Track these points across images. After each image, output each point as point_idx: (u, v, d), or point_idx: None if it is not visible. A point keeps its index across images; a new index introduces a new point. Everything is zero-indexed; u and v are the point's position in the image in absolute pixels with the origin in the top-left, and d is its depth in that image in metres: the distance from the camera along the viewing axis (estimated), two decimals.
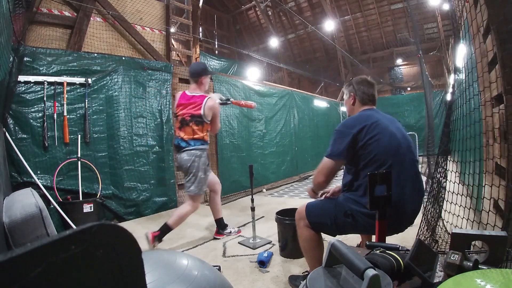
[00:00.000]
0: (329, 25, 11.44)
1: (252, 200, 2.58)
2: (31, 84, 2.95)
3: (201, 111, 2.44)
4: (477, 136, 1.67)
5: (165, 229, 2.37)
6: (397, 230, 1.48)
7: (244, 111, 5.10)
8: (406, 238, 2.35)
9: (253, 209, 2.55)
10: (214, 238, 2.69)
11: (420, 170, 1.58)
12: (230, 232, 2.75)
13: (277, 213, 2.27)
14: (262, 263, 2.01)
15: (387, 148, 1.41)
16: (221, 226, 2.74)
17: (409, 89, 11.86)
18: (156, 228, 2.80)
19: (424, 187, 1.67)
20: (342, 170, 1.66)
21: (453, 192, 1.84)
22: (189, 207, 2.45)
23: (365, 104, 1.63)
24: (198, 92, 2.53)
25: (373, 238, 1.50)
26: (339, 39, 12.16)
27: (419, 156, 6.98)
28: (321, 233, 1.59)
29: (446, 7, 7.65)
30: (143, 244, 2.31)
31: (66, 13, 3.80)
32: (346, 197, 1.49)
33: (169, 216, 3.50)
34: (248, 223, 3.08)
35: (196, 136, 2.46)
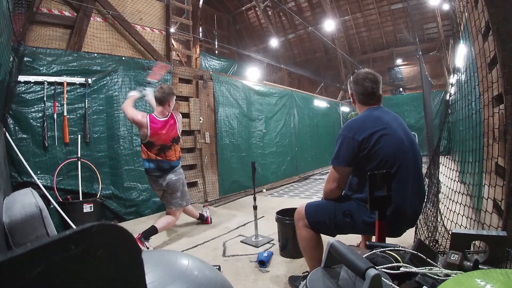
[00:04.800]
0: (329, 25, 11.44)
1: (255, 199, 2.61)
2: (31, 84, 2.95)
3: (179, 131, 2.62)
4: (478, 135, 1.67)
5: (152, 231, 2.44)
6: (397, 233, 1.47)
7: (244, 111, 5.10)
8: (406, 238, 2.35)
9: (255, 207, 2.57)
10: (203, 223, 3.13)
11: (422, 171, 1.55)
12: (206, 212, 3.20)
13: (277, 212, 2.27)
14: (262, 263, 2.01)
15: (394, 153, 1.38)
16: (203, 217, 3.11)
17: (401, 89, 11.82)
18: None
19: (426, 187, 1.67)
20: None
21: (453, 191, 1.84)
22: (175, 218, 2.64)
23: (366, 104, 1.54)
24: (166, 113, 2.55)
25: (373, 238, 1.50)
26: (339, 39, 12.16)
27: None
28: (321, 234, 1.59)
29: (446, 7, 7.65)
30: None
31: (66, 13, 3.80)
32: (351, 198, 1.48)
33: None
34: (248, 222, 3.08)
35: (178, 154, 2.63)
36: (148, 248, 2.43)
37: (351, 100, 1.62)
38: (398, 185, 1.35)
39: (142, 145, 2.54)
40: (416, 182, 1.43)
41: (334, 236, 1.55)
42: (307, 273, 1.71)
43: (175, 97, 2.60)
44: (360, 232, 1.51)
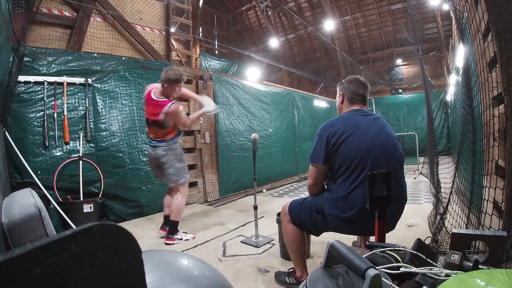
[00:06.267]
0: (329, 25, 11.45)
1: (255, 198, 2.61)
2: (31, 84, 2.95)
3: (161, 118, 2.45)
4: (477, 134, 1.67)
5: (173, 226, 2.56)
6: (367, 233, 1.47)
7: (244, 112, 5.10)
8: (406, 238, 2.35)
9: (255, 207, 2.57)
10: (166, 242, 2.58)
11: (403, 171, 1.55)
12: (182, 238, 2.60)
13: (279, 214, 2.27)
14: None
15: (355, 153, 1.42)
16: (172, 232, 2.61)
17: (400, 91, 11.84)
18: (156, 227, 2.76)
19: (431, 187, 1.67)
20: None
21: (454, 192, 1.84)
22: (180, 196, 2.60)
23: (353, 103, 1.62)
24: (163, 96, 2.51)
25: (372, 238, 1.50)
26: (339, 39, 12.16)
27: (421, 156, 6.99)
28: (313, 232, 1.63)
29: (446, 7, 7.65)
30: (143, 244, 2.31)
31: (66, 13, 3.80)
32: (322, 194, 1.54)
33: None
34: (248, 222, 3.08)
35: (161, 137, 2.56)
36: (185, 238, 2.59)
37: (339, 101, 1.69)
38: (363, 188, 1.35)
39: None
40: (393, 183, 1.42)
41: (315, 234, 1.63)
42: (292, 269, 1.75)
43: (174, 83, 2.48)
44: (335, 230, 1.51)
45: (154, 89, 2.55)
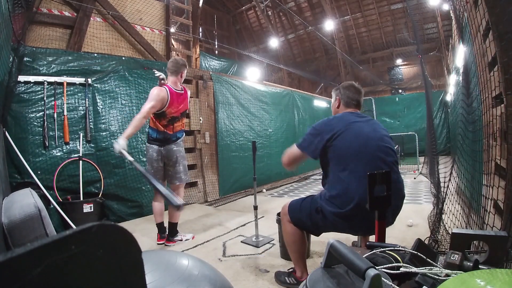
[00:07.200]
0: (329, 25, 11.45)
1: (255, 198, 2.61)
2: (31, 84, 2.95)
3: (188, 105, 2.71)
4: (478, 134, 1.67)
5: (173, 228, 2.58)
6: (367, 231, 1.47)
7: (244, 112, 5.11)
8: (406, 238, 2.35)
9: (255, 207, 2.57)
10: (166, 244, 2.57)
11: (399, 171, 1.58)
12: (182, 239, 2.62)
13: (279, 214, 2.27)
14: None
15: (349, 147, 1.46)
16: (172, 233, 2.62)
17: (400, 91, 11.82)
18: (156, 227, 2.77)
19: (431, 187, 1.68)
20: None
21: (454, 192, 1.84)
22: (181, 198, 2.61)
23: (348, 107, 1.71)
24: (180, 86, 2.60)
25: (371, 238, 1.50)
26: (339, 39, 12.16)
27: (421, 156, 7.00)
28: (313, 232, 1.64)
29: (446, 7, 7.65)
30: (143, 244, 2.31)
31: (66, 13, 3.80)
32: (320, 194, 1.56)
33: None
34: (248, 222, 3.08)
35: (183, 126, 2.69)
36: (185, 238, 2.63)
37: (335, 105, 1.77)
38: (360, 181, 1.37)
39: (151, 115, 2.53)
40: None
41: (315, 234, 1.64)
42: (292, 269, 1.76)
43: (185, 68, 2.64)
44: (335, 229, 1.51)
45: (169, 86, 2.52)
